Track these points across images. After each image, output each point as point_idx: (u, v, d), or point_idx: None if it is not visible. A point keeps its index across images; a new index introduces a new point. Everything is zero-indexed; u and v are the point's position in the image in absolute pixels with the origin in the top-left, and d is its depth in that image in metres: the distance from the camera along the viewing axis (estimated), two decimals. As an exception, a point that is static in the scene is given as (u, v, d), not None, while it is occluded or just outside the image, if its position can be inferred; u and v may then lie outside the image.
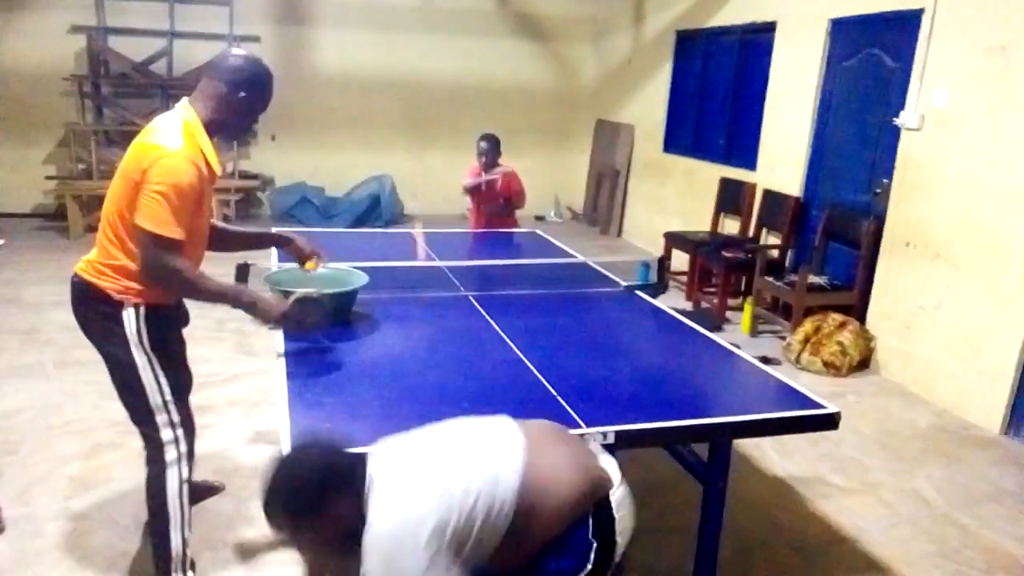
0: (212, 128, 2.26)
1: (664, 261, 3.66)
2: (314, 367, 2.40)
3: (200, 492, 2.99)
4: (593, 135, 9.29)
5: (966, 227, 4.28)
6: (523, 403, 2.21)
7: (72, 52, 8.00)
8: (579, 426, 2.06)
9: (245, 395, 4.03)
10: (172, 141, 2.13)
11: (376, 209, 8.58)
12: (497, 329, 2.83)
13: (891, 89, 4.86)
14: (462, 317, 2.98)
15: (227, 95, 2.24)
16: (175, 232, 2.11)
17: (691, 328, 3.03)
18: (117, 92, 8.25)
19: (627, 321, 3.19)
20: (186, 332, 2.57)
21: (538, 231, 4.83)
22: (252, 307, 2.30)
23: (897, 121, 4.66)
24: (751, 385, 2.58)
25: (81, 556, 2.66)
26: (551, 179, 9.67)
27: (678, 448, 2.78)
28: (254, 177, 8.70)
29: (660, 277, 3.65)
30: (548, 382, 2.35)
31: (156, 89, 8.13)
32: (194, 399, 3.74)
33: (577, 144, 9.61)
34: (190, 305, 2.40)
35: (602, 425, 2.08)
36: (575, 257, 4.04)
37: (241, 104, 2.26)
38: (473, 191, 5.06)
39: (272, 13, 8.53)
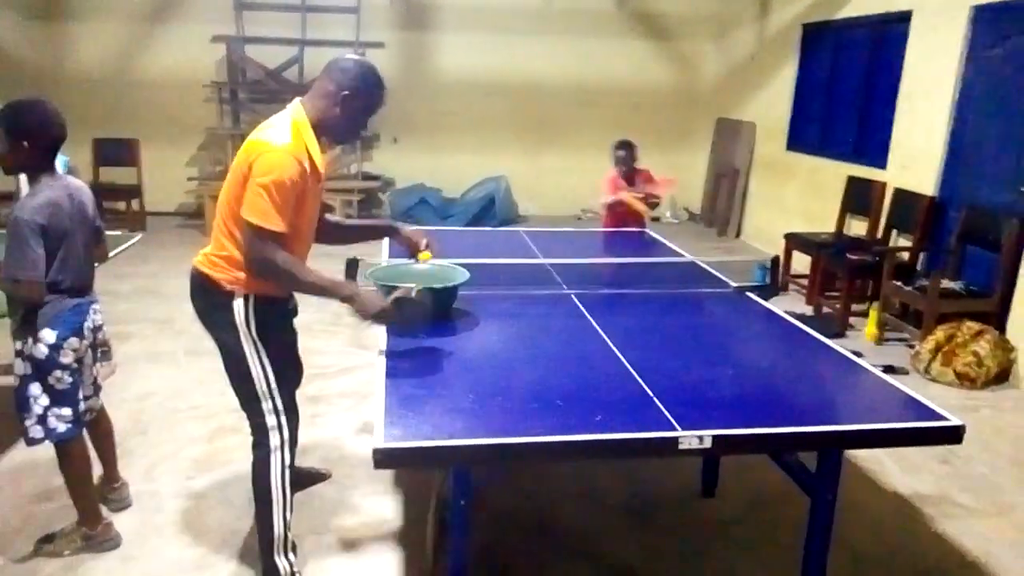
0: (320, 129, 2.33)
1: (777, 261, 3.50)
2: (413, 362, 2.43)
3: (308, 479, 3.12)
4: (713, 134, 9.04)
5: None
6: (617, 403, 2.16)
7: (213, 61, 8.54)
8: (674, 428, 2.00)
9: (356, 387, 4.16)
10: (279, 137, 2.21)
11: (491, 210, 8.68)
12: (597, 328, 2.79)
13: (1041, 79, 4.47)
14: (563, 315, 2.96)
15: (336, 98, 2.30)
16: (277, 224, 2.19)
17: (803, 332, 2.88)
18: (252, 97, 8.73)
19: (734, 323, 3.07)
20: (303, 325, 2.68)
21: (650, 231, 4.74)
22: (351, 301, 2.35)
23: (1047, 113, 4.28)
24: (864, 392, 2.42)
25: (197, 533, 2.82)
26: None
27: (786, 458, 2.65)
28: (376, 178, 8.99)
29: (773, 278, 3.49)
30: (645, 382, 2.29)
31: (288, 94, 8.47)
32: (307, 389, 3.93)
33: (696, 143, 9.38)
34: (307, 299, 2.48)
35: (699, 428, 2.01)
36: (683, 256, 3.94)
37: (349, 107, 2.32)
38: (613, 206, 5.01)
39: (396, 20, 8.81)
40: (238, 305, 2.29)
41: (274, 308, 2.38)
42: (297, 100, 2.36)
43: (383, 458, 1.86)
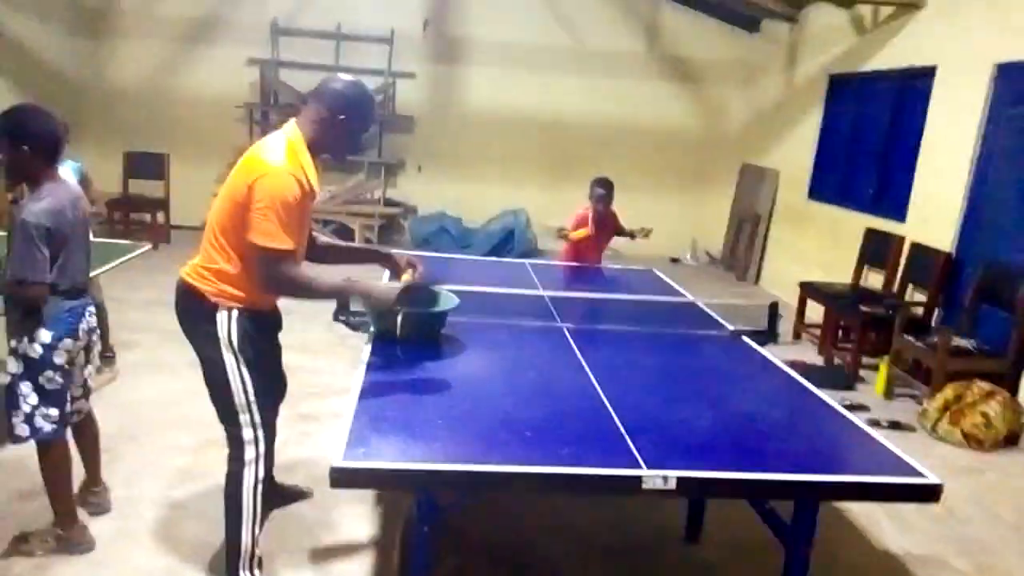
0: (316, 147, 2.39)
1: (776, 308, 3.46)
2: (390, 383, 2.44)
3: (290, 496, 3.12)
4: (737, 179, 9.02)
5: None
6: (586, 438, 2.15)
7: (247, 82, 8.75)
8: (639, 467, 1.97)
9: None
10: (275, 157, 2.27)
11: (510, 242, 8.71)
12: (582, 362, 2.77)
13: (1062, 140, 4.41)
14: (550, 348, 2.95)
15: (329, 117, 2.36)
16: (286, 243, 2.25)
17: (793, 380, 2.85)
18: (283, 119, 8.87)
19: (724, 366, 3.03)
20: (305, 344, 2.70)
21: (656, 270, 4.72)
22: (367, 296, 2.44)
23: (1065, 174, 4.21)
24: (845, 444, 2.38)
25: (170, 543, 2.83)
26: (689, 221, 9.50)
27: (764, 507, 2.60)
28: (397, 205, 9.09)
29: (771, 325, 3.45)
30: (619, 419, 2.27)
31: (317, 118, 8.68)
32: (300, 408, 3.97)
33: (719, 187, 9.36)
34: (312, 318, 2.53)
35: (666, 469, 1.98)
36: (685, 297, 3.91)
37: (342, 126, 2.38)
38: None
39: (428, 52, 8.96)
40: (221, 318, 2.32)
41: (257, 322, 2.41)
42: (292, 120, 2.41)
43: (340, 477, 1.85)
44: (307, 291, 2.35)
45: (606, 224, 5.03)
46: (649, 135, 9.30)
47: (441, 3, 8.90)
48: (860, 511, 3.48)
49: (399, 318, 2.68)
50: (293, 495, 3.14)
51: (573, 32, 9.04)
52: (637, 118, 9.24)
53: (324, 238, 2.85)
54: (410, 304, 2.55)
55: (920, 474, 2.11)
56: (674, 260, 9.24)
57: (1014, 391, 4.52)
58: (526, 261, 4.60)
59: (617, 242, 5.41)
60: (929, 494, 2.10)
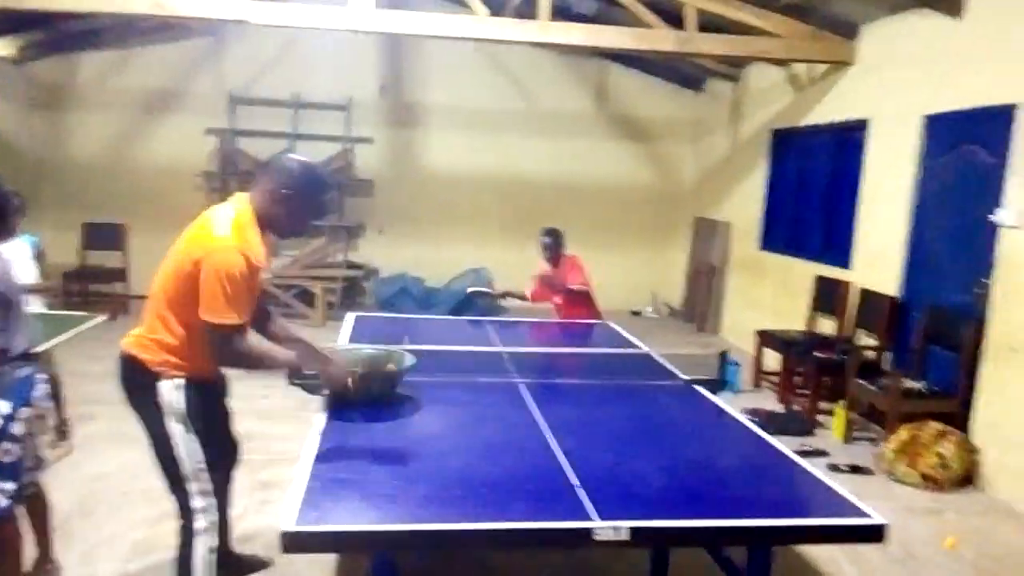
0: (264, 224, 2.43)
1: (725, 356, 3.54)
2: (344, 446, 2.45)
3: (247, 566, 3.07)
4: (692, 232, 9.24)
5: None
6: (540, 493, 2.18)
7: (206, 151, 8.80)
8: (590, 519, 2.00)
9: (311, 475, 4.11)
10: (221, 232, 2.31)
11: (472, 301, 8.75)
12: (537, 417, 2.81)
13: (989, 185, 4.62)
14: (506, 404, 2.99)
15: (277, 196, 2.41)
16: (236, 318, 2.27)
17: (745, 427, 2.91)
18: (242, 187, 8.91)
19: (678, 416, 3.09)
20: (267, 410, 2.70)
21: (612, 323, 4.80)
22: (324, 373, 2.45)
23: (993, 218, 4.41)
24: (794, 487, 2.43)
25: (125, 620, 2.76)
26: (649, 275, 9.68)
27: (722, 555, 2.63)
28: (359, 267, 9.13)
29: (721, 372, 3.53)
30: (574, 473, 2.30)
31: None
32: (260, 475, 3.93)
33: (676, 241, 9.58)
34: (272, 385, 2.52)
35: (618, 519, 2.01)
36: (640, 348, 3.98)
37: (290, 207, 2.43)
38: (539, 297, 5.17)
39: (385, 117, 9.14)
40: (165, 387, 2.33)
41: (203, 390, 2.42)
42: (242, 195, 2.45)
43: (292, 542, 1.86)
44: (262, 363, 2.37)
45: (560, 268, 5.11)
46: (606, 192, 9.52)
47: (396, 69, 9.12)
48: (821, 555, 3.52)
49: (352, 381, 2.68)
50: (252, 565, 3.09)
51: (526, 94, 9.30)
52: (593, 176, 9.47)
53: (279, 325, 2.76)
54: (367, 382, 2.55)
55: (866, 514, 2.17)
56: (635, 313, 9.37)
57: (965, 430, 4.63)
58: (485, 319, 4.66)
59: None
60: (876, 534, 2.15)
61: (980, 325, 4.58)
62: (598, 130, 9.45)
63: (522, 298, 5.36)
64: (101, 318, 4.18)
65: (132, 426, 4.67)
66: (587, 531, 1.96)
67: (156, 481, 3.82)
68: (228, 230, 2.31)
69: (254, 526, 3.48)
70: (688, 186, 9.57)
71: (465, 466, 2.35)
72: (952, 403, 4.74)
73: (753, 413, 5.28)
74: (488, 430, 2.72)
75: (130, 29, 8.13)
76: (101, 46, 8.49)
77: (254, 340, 2.37)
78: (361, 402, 2.71)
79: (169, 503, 3.56)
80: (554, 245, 5.07)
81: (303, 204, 2.45)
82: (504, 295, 5.56)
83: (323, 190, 2.50)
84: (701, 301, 8.78)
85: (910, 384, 4.90)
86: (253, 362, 2.35)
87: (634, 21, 6.33)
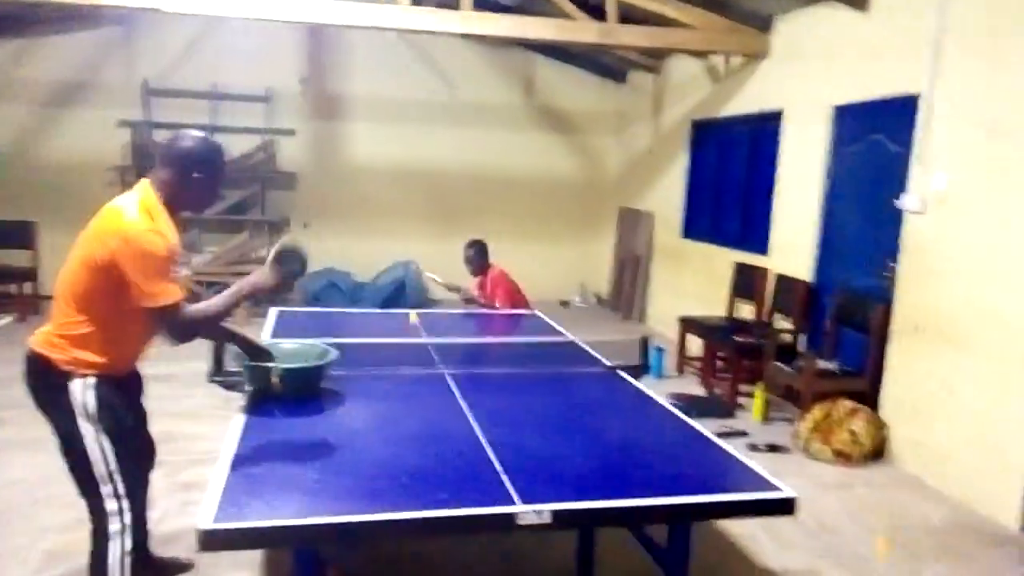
0: (174, 206, 2.39)
1: (646, 342, 3.62)
2: (265, 441, 2.41)
3: (167, 569, 3.00)
4: (617, 222, 9.39)
5: (975, 311, 4.17)
6: (463, 480, 2.19)
7: (119, 145, 8.48)
8: (513, 503, 2.02)
9: (236, 473, 4.03)
10: (132, 216, 2.24)
11: (402, 294, 8.71)
12: (463, 406, 2.82)
13: (895, 173, 4.84)
14: (431, 394, 2.99)
15: (184, 177, 2.38)
16: (173, 296, 2.25)
17: (666, 410, 2.98)
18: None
19: (601, 401, 3.14)
20: (189, 409, 2.63)
21: (539, 312, 4.85)
22: (256, 289, 2.46)
23: (898, 204, 4.62)
24: (711, 466, 2.51)
25: (37, 630, 2.66)
26: (577, 265, 9.80)
27: (644, 534, 2.70)
28: (284, 262, 8.94)
29: (643, 358, 3.60)
30: (497, 459, 2.33)
31: (195, 179, 8.51)
32: (181, 476, 3.83)
33: (602, 232, 9.72)
34: (198, 384, 2.47)
35: (540, 503, 2.04)
36: (564, 336, 4.04)
37: (200, 185, 2.41)
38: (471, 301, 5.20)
39: (307, 109, 8.97)
40: (75, 386, 2.26)
41: (115, 387, 2.35)
42: (144, 181, 2.40)
43: (208, 539, 1.82)
44: (213, 320, 2.38)
45: (485, 284, 5.13)
46: (532, 184, 9.57)
47: (318, 60, 8.96)
48: (740, 531, 3.64)
49: (275, 377, 2.65)
50: (173, 568, 3.02)
51: (452, 86, 9.27)
52: (519, 168, 9.51)
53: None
54: (287, 265, 2.55)
55: (777, 488, 2.26)
56: (564, 303, 9.47)
57: (875, 407, 4.85)
58: (411, 311, 4.63)
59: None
60: (787, 506, 2.24)
61: (888, 307, 4.80)
62: (524, 121, 9.49)
63: (471, 300, 5.34)
64: (8, 319, 4.00)
65: (44, 431, 4.51)
66: (510, 516, 1.98)
67: (69, 486, 3.73)
68: (137, 214, 2.25)
69: (175, 528, 3.38)
70: (613, 177, 9.71)
71: (389, 457, 2.35)
72: (862, 382, 4.95)
73: (677, 397, 5.41)
74: (413, 421, 2.72)
75: (32, 16, 7.77)
76: (2, 35, 8.09)
77: (194, 306, 2.34)
78: (284, 398, 2.68)
79: (81, 510, 3.49)
80: (476, 257, 5.09)
81: (213, 181, 2.45)
82: (458, 289, 5.50)
83: (222, 156, 2.50)
84: (627, 290, 8.93)
85: (823, 365, 5.10)
86: (203, 326, 2.35)
87: (557, 12, 6.38)
